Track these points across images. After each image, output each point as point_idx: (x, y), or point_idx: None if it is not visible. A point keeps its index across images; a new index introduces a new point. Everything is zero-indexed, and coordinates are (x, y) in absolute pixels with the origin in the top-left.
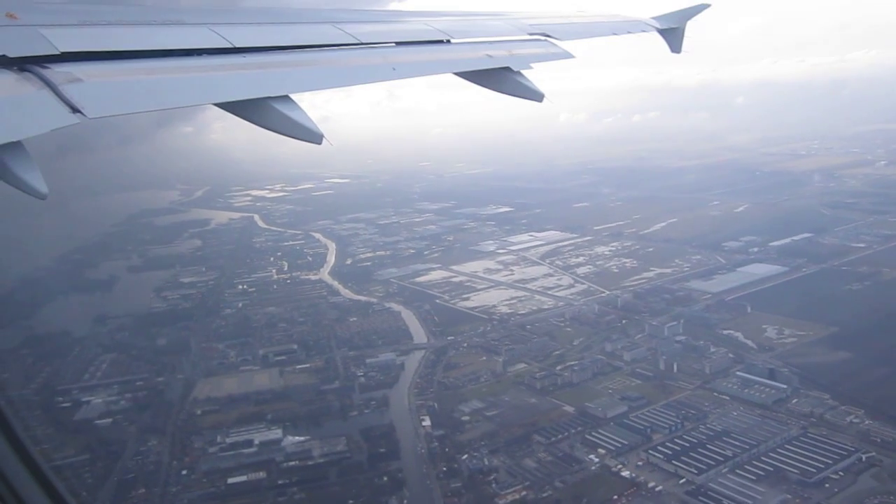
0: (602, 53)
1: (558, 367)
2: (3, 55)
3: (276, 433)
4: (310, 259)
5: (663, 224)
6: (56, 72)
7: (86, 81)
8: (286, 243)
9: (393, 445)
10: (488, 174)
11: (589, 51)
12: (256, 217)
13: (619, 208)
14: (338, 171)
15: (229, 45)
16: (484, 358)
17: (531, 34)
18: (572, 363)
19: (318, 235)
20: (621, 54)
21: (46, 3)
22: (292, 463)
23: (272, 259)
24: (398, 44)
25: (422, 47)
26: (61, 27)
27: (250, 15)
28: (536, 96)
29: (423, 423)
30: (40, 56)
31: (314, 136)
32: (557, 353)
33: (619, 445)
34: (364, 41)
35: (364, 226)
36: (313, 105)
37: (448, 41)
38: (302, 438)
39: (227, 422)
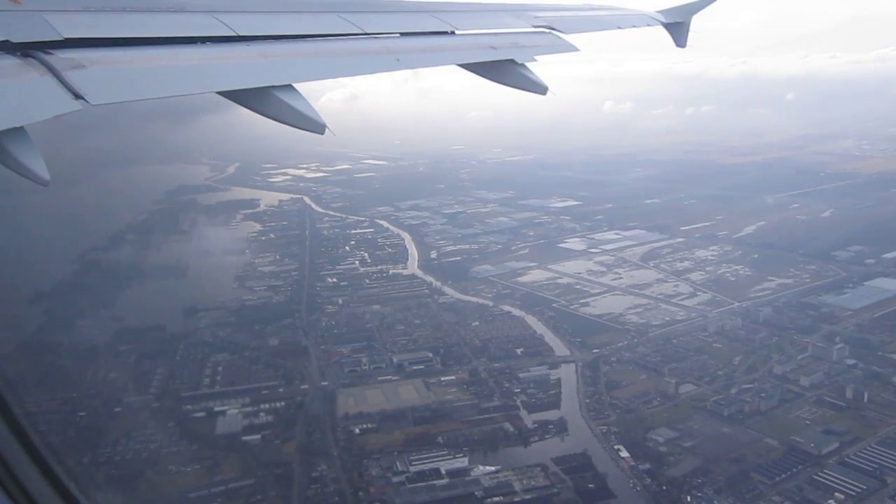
0: (609, 41)
1: (733, 391)
2: (7, 40)
3: (461, 461)
4: (390, 251)
5: (753, 227)
6: (59, 58)
7: (89, 68)
8: (354, 231)
9: (599, 480)
10: (532, 162)
11: (599, 39)
12: (307, 199)
13: (695, 207)
14: (370, 152)
15: (233, 34)
16: (644, 376)
17: (536, 27)
18: (747, 387)
19: (385, 223)
20: (624, 42)
21: None
22: (496, 499)
23: (347, 248)
24: (402, 34)
25: (426, 38)
26: (65, 13)
27: (254, 3)
28: (540, 89)
29: (621, 454)
30: (44, 42)
31: (317, 126)
32: (721, 373)
33: (857, 490)
34: (368, 31)
35: (429, 214)
36: (339, 83)
37: (452, 32)
38: (493, 468)
39: (395, 444)
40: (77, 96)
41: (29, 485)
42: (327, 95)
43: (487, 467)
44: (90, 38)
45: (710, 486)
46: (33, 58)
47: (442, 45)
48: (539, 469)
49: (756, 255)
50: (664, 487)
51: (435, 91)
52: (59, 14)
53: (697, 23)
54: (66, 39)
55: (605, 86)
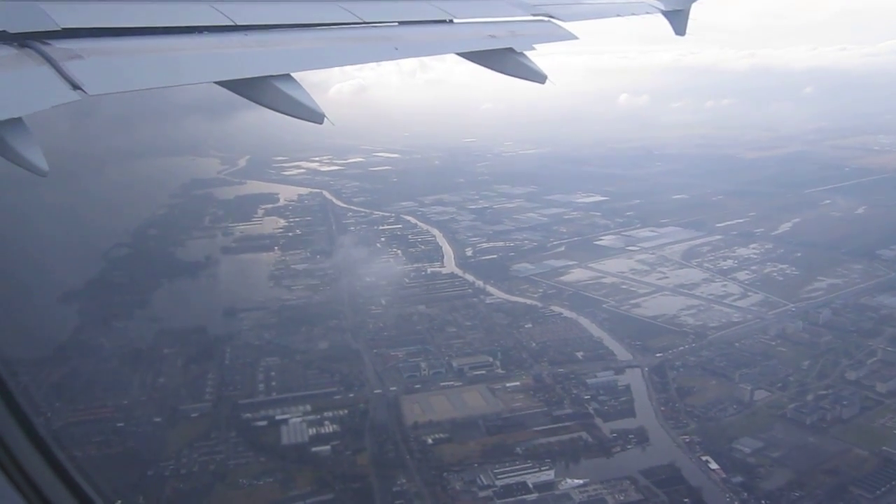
0: (613, 32)
1: (809, 398)
2: (4, 31)
3: (547, 474)
4: (423, 248)
5: (790, 224)
6: (57, 48)
7: (86, 58)
8: (382, 227)
9: (693, 494)
10: (548, 155)
11: (601, 30)
12: (326, 193)
13: (725, 203)
14: (382, 145)
15: (231, 23)
16: (714, 382)
17: (534, 15)
18: (823, 393)
19: (412, 219)
20: (627, 33)
21: None
22: None
23: (379, 245)
24: (401, 23)
25: (424, 27)
26: (62, 3)
27: None
28: (539, 77)
29: (710, 466)
30: (41, 32)
31: (316, 116)
32: (792, 378)
33: None
34: (367, 20)
35: (455, 210)
36: (347, 74)
37: (451, 21)
38: (580, 481)
39: (473, 455)
40: (75, 87)
41: (43, 484)
42: (336, 87)
43: (575, 480)
44: (88, 28)
45: (809, 501)
46: (31, 48)
47: (440, 33)
48: (629, 482)
49: (799, 254)
50: (763, 502)
51: (443, 82)
52: (56, 4)
53: (697, 14)
54: (64, 29)
55: (616, 77)
